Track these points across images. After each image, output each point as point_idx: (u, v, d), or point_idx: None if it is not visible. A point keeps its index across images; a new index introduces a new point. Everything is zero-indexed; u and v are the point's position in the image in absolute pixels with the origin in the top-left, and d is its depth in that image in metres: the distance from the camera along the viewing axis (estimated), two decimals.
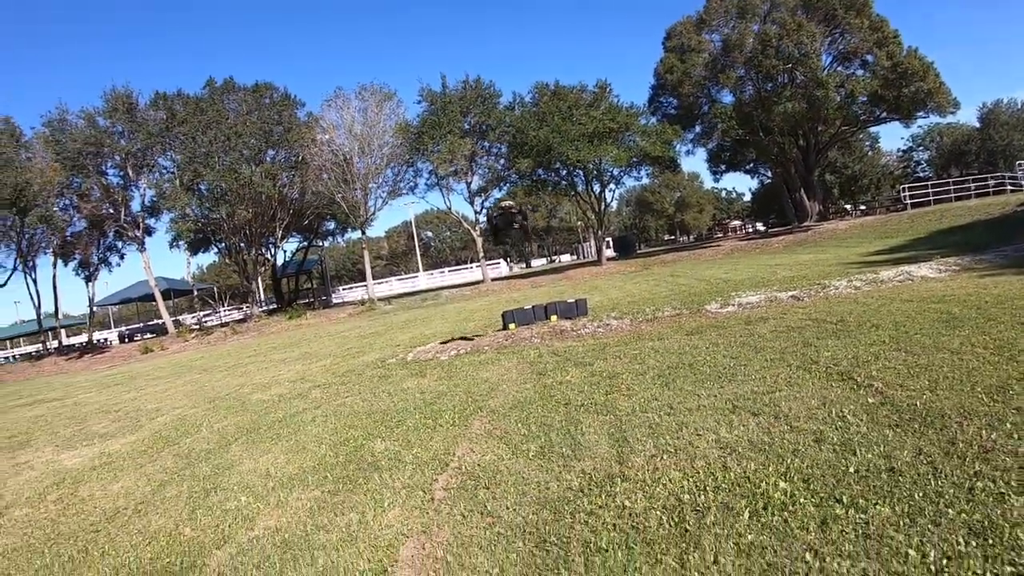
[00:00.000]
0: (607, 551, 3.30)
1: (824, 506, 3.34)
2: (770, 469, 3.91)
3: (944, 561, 2.71)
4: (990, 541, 2.80)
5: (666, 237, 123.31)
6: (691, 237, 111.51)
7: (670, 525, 3.46)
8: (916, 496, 3.29)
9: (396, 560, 3.71)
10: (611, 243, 63.41)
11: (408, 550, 3.81)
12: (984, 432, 3.98)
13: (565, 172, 45.98)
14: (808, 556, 2.91)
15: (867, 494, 3.39)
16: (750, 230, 69.80)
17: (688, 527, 3.39)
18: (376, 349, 15.84)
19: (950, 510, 3.10)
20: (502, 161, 48.45)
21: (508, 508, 4.12)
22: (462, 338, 14.34)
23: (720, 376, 6.48)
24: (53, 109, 46.15)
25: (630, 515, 3.68)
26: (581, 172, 45.55)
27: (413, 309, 35.28)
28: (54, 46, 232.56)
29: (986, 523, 2.94)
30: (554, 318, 13.69)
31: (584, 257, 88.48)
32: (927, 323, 7.55)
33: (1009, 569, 2.59)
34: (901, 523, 3.06)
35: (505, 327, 13.89)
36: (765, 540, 3.12)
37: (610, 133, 42.08)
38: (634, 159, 44.04)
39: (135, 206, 48.13)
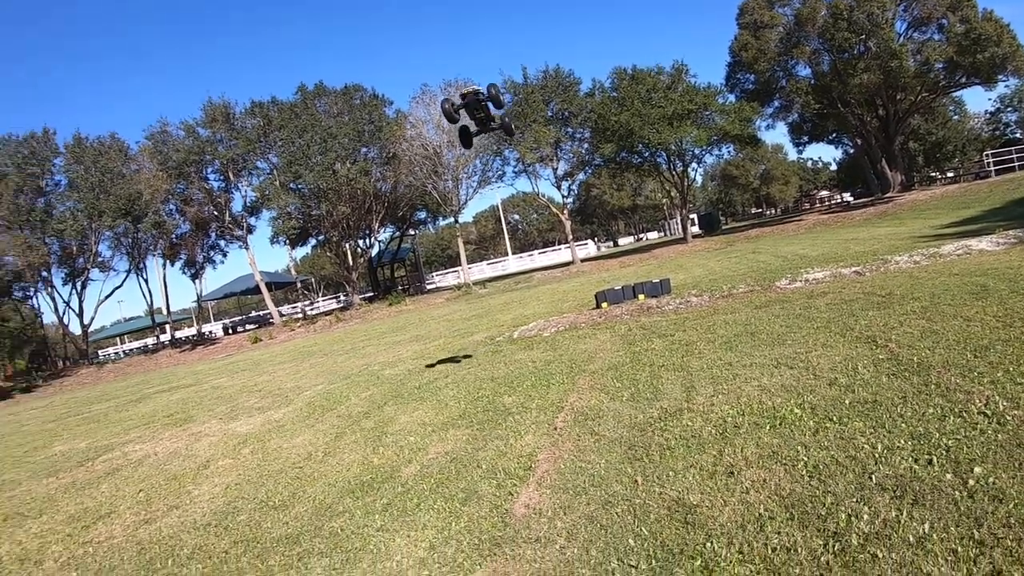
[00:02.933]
0: (673, 449, 5.14)
1: (820, 422, 5.08)
2: (791, 402, 5.65)
3: (886, 452, 4.38)
4: (921, 443, 4.42)
5: (752, 211, 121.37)
6: (777, 210, 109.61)
7: (716, 434, 5.27)
8: (883, 416, 4.97)
9: (536, 461, 5.63)
10: (696, 220, 63.82)
11: (542, 456, 5.73)
12: (954, 378, 5.59)
13: (648, 153, 46.56)
14: (800, 448, 4.66)
15: (851, 416, 5.10)
16: (838, 200, 69.13)
17: (727, 435, 5.20)
18: (482, 329, 17.73)
19: (902, 424, 4.79)
20: (586, 146, 49.59)
21: (608, 430, 5.99)
22: (560, 316, 16.18)
23: (773, 341, 8.16)
24: (155, 123, 49.93)
25: (690, 431, 5.51)
26: (663, 153, 46.16)
27: (508, 292, 36.95)
28: (153, 66, 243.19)
29: (923, 432, 4.59)
30: (641, 297, 15.38)
31: (670, 234, 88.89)
32: (959, 295, 8.91)
33: (925, 457, 4.25)
34: (867, 431, 4.75)
35: (598, 306, 15.68)
36: (775, 441, 4.89)
37: (689, 114, 42.68)
38: (714, 138, 44.54)
39: (236, 207, 51.41)
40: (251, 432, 10.71)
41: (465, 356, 12.86)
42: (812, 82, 47.62)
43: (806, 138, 59.43)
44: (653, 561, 3.56)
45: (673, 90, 44.12)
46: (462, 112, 10.11)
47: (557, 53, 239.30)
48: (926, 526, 3.35)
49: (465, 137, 10.68)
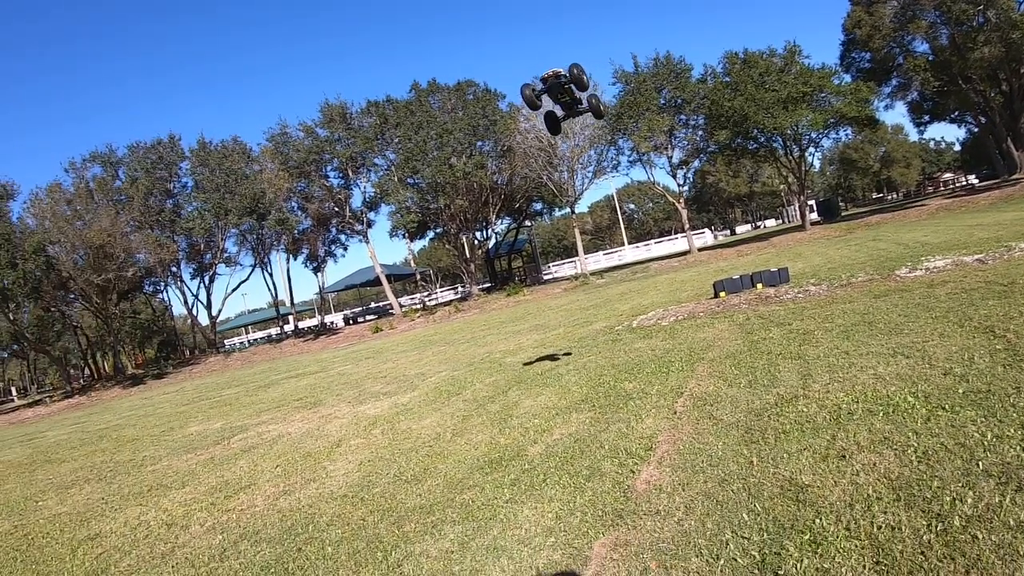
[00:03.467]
0: (788, 433, 5.39)
1: (932, 410, 5.22)
2: (905, 390, 5.79)
3: (995, 440, 4.52)
4: None
5: (873, 196, 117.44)
6: (899, 195, 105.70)
7: (830, 420, 5.49)
8: (995, 406, 5.07)
9: (656, 442, 5.99)
10: (815, 206, 62.30)
11: (662, 438, 6.07)
12: None
13: (763, 139, 45.84)
14: (911, 435, 4.84)
15: (964, 404, 5.22)
16: (962, 184, 66.24)
17: (841, 421, 5.41)
18: (601, 319, 18.07)
19: (1013, 414, 4.90)
20: (700, 133, 49.10)
21: (726, 414, 6.28)
22: (678, 306, 16.39)
23: (891, 331, 8.22)
24: (275, 124, 52.22)
25: (805, 416, 5.73)
26: (779, 137, 45.28)
27: (625, 282, 37.08)
28: (271, 67, 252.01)
29: None
30: (759, 286, 15.42)
31: (788, 221, 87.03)
32: None
33: None
34: (978, 419, 4.88)
35: (716, 295, 15.81)
36: (887, 427, 5.08)
37: (804, 97, 41.70)
38: (831, 120, 43.29)
39: (356, 202, 53.50)
40: (380, 414, 11.40)
41: (565, 354, 13.14)
42: (930, 58, 45.96)
43: (927, 117, 57.55)
44: (765, 534, 3.86)
45: (786, 73, 43.09)
46: (547, 98, 9.84)
47: (666, 39, 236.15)
48: None
49: (552, 123, 10.44)
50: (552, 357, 12.94)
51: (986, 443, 4.44)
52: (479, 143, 49.37)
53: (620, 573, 3.82)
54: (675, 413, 6.79)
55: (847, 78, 47.49)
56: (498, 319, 29.80)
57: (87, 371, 67.80)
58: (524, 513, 5.11)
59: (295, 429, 12.09)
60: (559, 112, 10.17)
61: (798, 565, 3.46)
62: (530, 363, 13.09)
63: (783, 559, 3.55)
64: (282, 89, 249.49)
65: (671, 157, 49.27)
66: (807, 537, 3.73)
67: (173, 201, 54.48)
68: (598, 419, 7.31)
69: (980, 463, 4.16)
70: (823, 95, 43.01)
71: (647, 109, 45.09)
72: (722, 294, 15.56)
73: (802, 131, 44.32)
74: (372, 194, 53.08)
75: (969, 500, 3.74)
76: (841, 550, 3.53)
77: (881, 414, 5.38)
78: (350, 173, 51.28)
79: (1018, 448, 4.26)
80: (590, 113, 10.02)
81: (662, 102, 47.18)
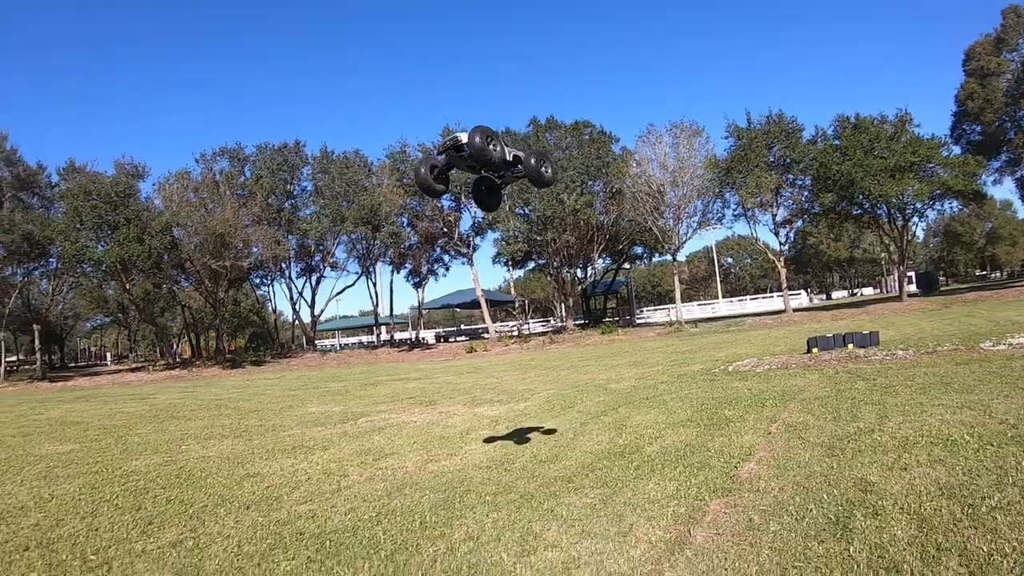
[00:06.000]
0: (862, 452, 6.69)
1: (982, 445, 6.44)
2: (963, 432, 7.01)
3: None
4: None
5: (976, 272, 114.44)
6: (1002, 273, 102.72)
7: (897, 446, 6.76)
8: None
9: (754, 451, 7.33)
10: (914, 278, 61.68)
11: (759, 449, 7.40)
12: None
13: (868, 205, 45.84)
14: (961, 459, 6.08)
15: (1008, 443, 6.42)
16: None
17: (907, 447, 6.68)
18: (698, 362, 19.22)
19: None
20: (806, 193, 49.40)
21: (813, 437, 7.58)
22: (772, 357, 17.55)
23: (963, 390, 9.35)
24: (395, 142, 54.91)
25: (878, 442, 7.01)
26: (884, 205, 45.25)
27: (719, 333, 37.87)
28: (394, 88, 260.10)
29: None
30: (850, 346, 16.47)
31: (886, 291, 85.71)
32: None
33: None
34: (1018, 453, 6.07)
35: (809, 351, 16.91)
36: (943, 454, 6.32)
37: (911, 166, 41.71)
38: (937, 192, 43.23)
39: (464, 226, 55.62)
40: (499, 415, 12.87)
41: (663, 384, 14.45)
42: None
43: None
44: (838, 507, 5.17)
45: (896, 140, 43.32)
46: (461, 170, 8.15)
47: (780, 98, 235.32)
48: None
49: (480, 197, 8.61)
50: (653, 388, 14.32)
51: (1020, 467, 5.69)
52: (590, 182, 50.65)
53: (730, 520, 5.19)
54: (769, 433, 8.10)
55: (956, 150, 47.57)
56: (594, 353, 31.00)
57: (186, 347, 71.46)
58: (649, 486, 6.51)
59: (418, 419, 13.60)
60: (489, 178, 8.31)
61: (862, 523, 4.79)
62: (635, 389, 14.42)
63: (851, 520, 4.87)
64: (404, 110, 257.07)
65: (775, 215, 49.88)
66: (870, 510, 5.04)
67: (292, 202, 57.93)
68: (703, 433, 8.62)
69: (1010, 478, 5.41)
70: (931, 166, 43.04)
71: (756, 165, 45.79)
72: (814, 350, 16.66)
73: (907, 201, 44.29)
74: (481, 220, 55.12)
75: (996, 498, 5.00)
76: (894, 519, 4.83)
77: (940, 445, 6.63)
78: (463, 197, 53.24)
79: None
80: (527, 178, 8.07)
81: (771, 159, 47.82)
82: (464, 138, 7.34)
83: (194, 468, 9.89)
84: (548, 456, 8.49)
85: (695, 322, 49.12)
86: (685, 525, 5.24)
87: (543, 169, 8.05)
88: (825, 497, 5.45)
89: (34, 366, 56.49)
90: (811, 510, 5.20)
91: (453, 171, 8.14)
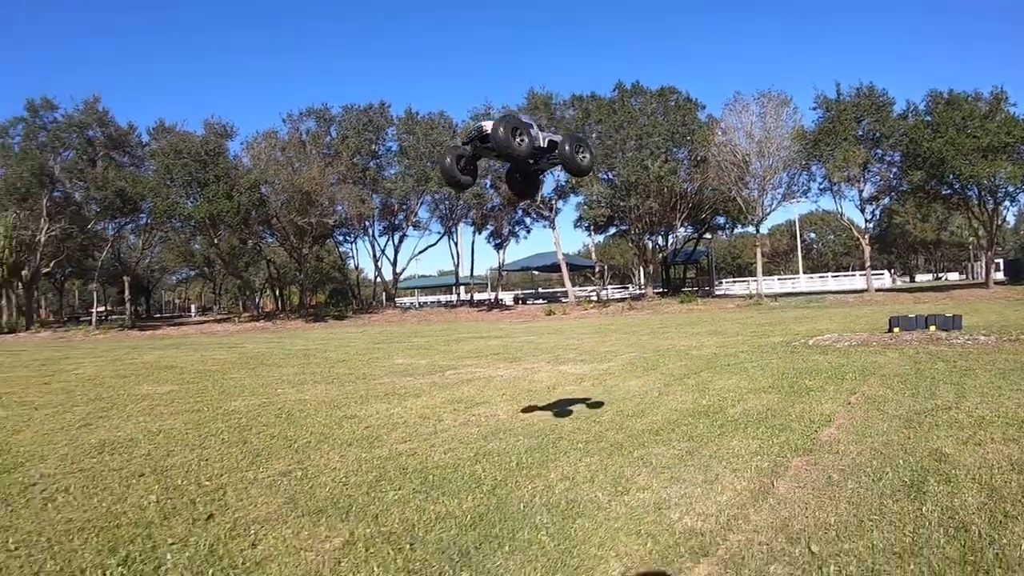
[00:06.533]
0: (939, 427, 7.01)
1: None
2: None
3: None
4: None
5: None
6: None
7: (973, 423, 7.05)
8: None
9: (833, 418, 7.71)
10: (1001, 265, 59.93)
11: (838, 416, 7.77)
12: None
13: (958, 185, 44.70)
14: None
15: None
16: None
17: (982, 425, 6.97)
18: (778, 335, 19.37)
19: None
20: (894, 170, 48.24)
21: (891, 409, 7.91)
22: (852, 334, 17.66)
23: None
24: (479, 104, 55.44)
25: (954, 419, 7.31)
26: (975, 186, 44.07)
27: (799, 308, 37.59)
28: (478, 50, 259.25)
29: None
30: (932, 328, 16.46)
31: (972, 277, 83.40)
32: None
33: None
34: None
35: (890, 330, 16.98)
36: (1018, 434, 6.58)
37: (1005, 147, 40.38)
38: None
39: (546, 189, 55.58)
40: (584, 373, 13.36)
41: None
42: None
43: None
44: (913, 473, 5.54)
45: (990, 119, 41.81)
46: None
47: (871, 70, 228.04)
48: None
49: (515, 185, 8.23)
50: (734, 356, 14.65)
51: None
52: (675, 149, 50.32)
53: (810, 476, 5.62)
54: (849, 404, 8.43)
55: None
56: (673, 321, 31.25)
57: (268, 301, 73.76)
58: (733, 442, 6.95)
59: (504, 373, 14.17)
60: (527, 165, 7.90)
61: (935, 488, 5.16)
62: (716, 356, 14.77)
63: (925, 484, 5.24)
64: (488, 73, 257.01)
65: (862, 190, 48.84)
66: (943, 477, 5.40)
67: (377, 162, 59.20)
68: (783, 400, 8.99)
69: None
70: None
71: (844, 138, 44.76)
72: (896, 329, 16.73)
73: (999, 183, 43.10)
74: (564, 183, 55.33)
75: None
76: (966, 486, 5.18)
77: (1016, 426, 6.89)
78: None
79: None
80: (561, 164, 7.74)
81: (860, 133, 46.67)
82: (489, 127, 6.99)
83: (292, 409, 10.59)
84: (634, 412, 8.97)
85: (775, 296, 48.54)
86: (768, 478, 5.69)
87: (579, 156, 7.56)
88: (901, 463, 5.82)
89: (122, 316, 59.05)
90: (887, 473, 5.59)
91: (482, 161, 7.81)
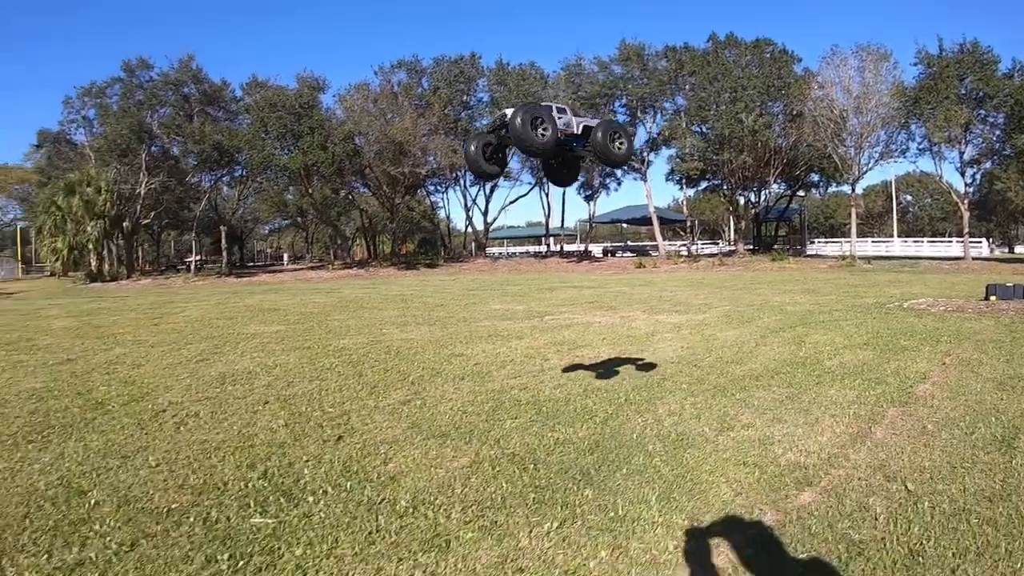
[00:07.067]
0: None
1: None
2: None
3: None
4: None
5: None
6: None
7: None
8: None
9: (928, 375, 8.03)
10: None
11: (933, 374, 8.10)
12: None
13: None
14: None
15: None
16: None
17: None
18: (871, 296, 19.32)
19: None
20: (998, 132, 46.10)
21: (985, 372, 8.17)
22: (947, 300, 17.60)
23: None
24: (571, 56, 55.15)
25: None
26: None
27: (893, 272, 36.78)
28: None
29: None
30: None
31: None
32: None
33: None
34: None
35: (987, 298, 16.85)
36: None
37: None
38: None
39: (637, 141, 55.10)
40: (681, 323, 13.79)
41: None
42: None
43: None
44: (1003, 429, 5.85)
45: None
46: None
47: (975, 26, 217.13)
48: None
49: (551, 172, 7.81)
50: (828, 313, 14.86)
51: None
52: (770, 103, 49.17)
53: (906, 425, 6.03)
54: (943, 364, 8.71)
55: None
56: (765, 278, 31.13)
57: (358, 250, 75.64)
58: (831, 391, 7.37)
59: (601, 321, 14.68)
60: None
61: None
62: (810, 313, 14.97)
63: (1015, 439, 5.59)
64: (581, 21, 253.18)
65: (963, 153, 46.80)
66: None
67: (468, 113, 59.51)
68: (879, 356, 9.29)
69: None
70: None
71: (946, 97, 42.83)
72: (992, 297, 16.60)
73: None
74: (656, 135, 54.94)
75: None
76: None
77: None
78: (638, 113, 53.18)
79: None
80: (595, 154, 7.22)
81: (962, 92, 44.51)
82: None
83: (400, 347, 11.30)
84: (733, 359, 9.43)
85: (868, 259, 47.36)
86: (865, 423, 6.13)
87: (614, 146, 7.02)
88: (993, 420, 6.16)
89: (218, 264, 61.40)
90: (979, 427, 5.95)
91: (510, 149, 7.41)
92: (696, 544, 3.97)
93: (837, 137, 45.42)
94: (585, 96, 50.50)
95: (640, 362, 9.28)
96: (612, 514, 4.38)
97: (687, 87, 49.93)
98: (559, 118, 6.68)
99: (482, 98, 60.18)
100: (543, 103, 7.14)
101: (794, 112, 48.27)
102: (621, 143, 7.10)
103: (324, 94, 53.35)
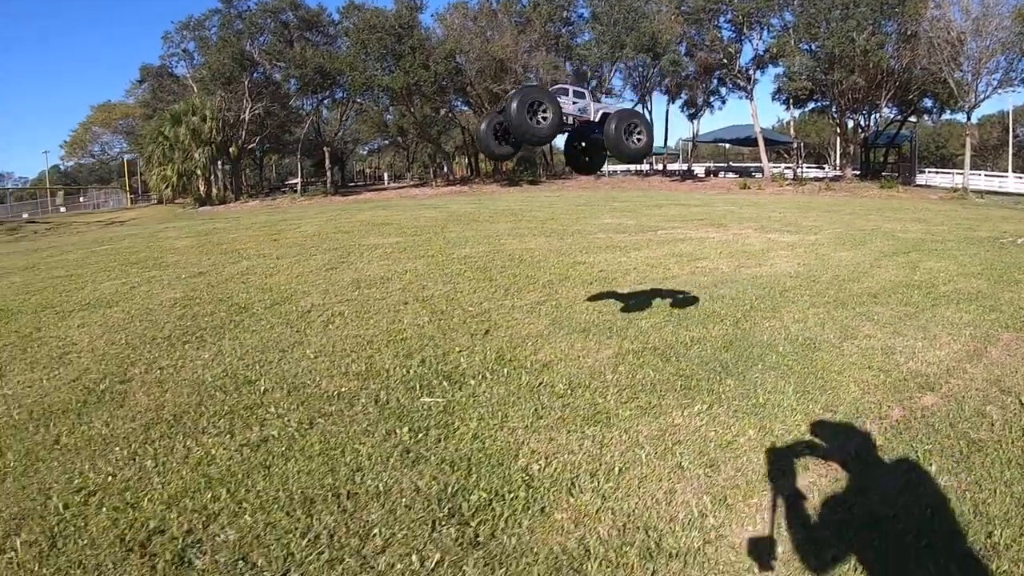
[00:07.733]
0: None
1: None
2: None
3: None
4: None
5: None
6: None
7: None
8: None
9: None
10: None
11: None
12: None
13: None
14: None
15: None
16: None
17: None
18: (984, 230, 18.88)
19: None
20: None
21: None
22: None
23: None
24: None
25: None
26: None
27: (1007, 208, 35.11)
28: None
29: None
30: None
31: None
32: None
33: None
34: None
35: None
36: None
37: None
38: None
39: (743, 58, 53.84)
40: (794, 242, 14.11)
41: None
42: None
43: None
44: None
45: None
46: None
47: None
48: None
49: (575, 160, 7.07)
50: (941, 243, 14.91)
51: None
52: (883, 21, 46.44)
53: (1020, 348, 6.46)
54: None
55: None
56: (873, 205, 30.47)
57: (457, 168, 76.29)
58: (947, 313, 7.80)
59: (714, 237, 15.07)
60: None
61: None
62: (922, 241, 15.03)
63: None
64: None
65: None
66: None
67: (569, 29, 58.13)
68: (992, 286, 9.53)
69: None
70: None
71: None
72: None
73: None
74: (763, 53, 53.30)
75: None
76: None
77: None
78: (744, 29, 51.65)
79: None
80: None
81: None
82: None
83: (523, 255, 11.94)
84: (850, 277, 9.87)
85: (980, 192, 45.58)
86: (981, 343, 6.61)
87: (631, 139, 6.34)
88: None
89: (320, 186, 62.63)
90: None
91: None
92: (834, 429, 4.63)
93: (953, 61, 43.05)
94: (689, 10, 49.32)
95: (759, 274, 9.78)
96: (753, 401, 5.06)
97: (796, 2, 47.99)
98: (574, 103, 6.23)
99: (583, 14, 58.66)
100: (556, 85, 6.52)
101: (908, 32, 45.66)
102: (639, 136, 6.37)
103: (423, 14, 53.26)
